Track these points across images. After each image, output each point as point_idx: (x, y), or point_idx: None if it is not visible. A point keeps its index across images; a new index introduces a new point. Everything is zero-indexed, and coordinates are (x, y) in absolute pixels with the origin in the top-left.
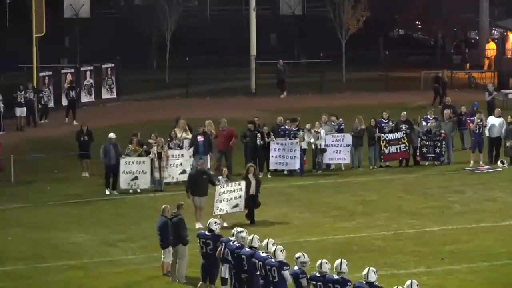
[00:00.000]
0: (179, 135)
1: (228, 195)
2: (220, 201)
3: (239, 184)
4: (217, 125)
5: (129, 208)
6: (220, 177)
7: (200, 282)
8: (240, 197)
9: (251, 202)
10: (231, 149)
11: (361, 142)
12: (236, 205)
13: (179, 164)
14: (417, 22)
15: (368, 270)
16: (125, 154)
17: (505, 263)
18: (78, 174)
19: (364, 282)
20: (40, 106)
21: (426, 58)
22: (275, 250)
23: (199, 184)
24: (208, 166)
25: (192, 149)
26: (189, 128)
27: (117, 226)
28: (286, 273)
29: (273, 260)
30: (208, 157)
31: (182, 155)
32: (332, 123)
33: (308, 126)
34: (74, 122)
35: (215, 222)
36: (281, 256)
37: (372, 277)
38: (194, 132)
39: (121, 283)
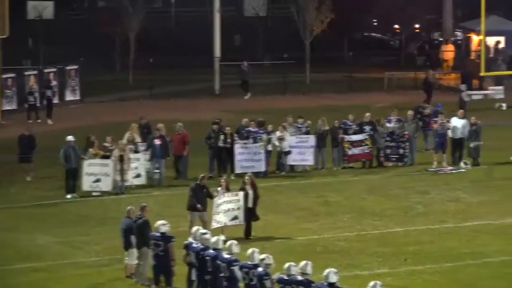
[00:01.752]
0: (127, 136)
1: (225, 206)
2: (218, 213)
3: (236, 195)
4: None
5: (92, 210)
6: (218, 189)
7: (153, 286)
8: (238, 208)
9: (249, 215)
10: (186, 153)
11: (324, 143)
12: (235, 217)
13: (134, 167)
14: (380, 24)
15: (329, 271)
16: (86, 157)
17: (468, 264)
18: (42, 175)
19: (325, 284)
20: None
21: (389, 59)
22: (253, 252)
23: (199, 198)
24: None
25: (148, 152)
26: (149, 131)
27: (81, 228)
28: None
29: (249, 262)
30: (164, 160)
31: (138, 159)
32: (299, 124)
33: (270, 127)
34: (49, 122)
35: (164, 224)
36: (257, 259)
37: (333, 278)
38: (151, 135)
39: (85, 285)
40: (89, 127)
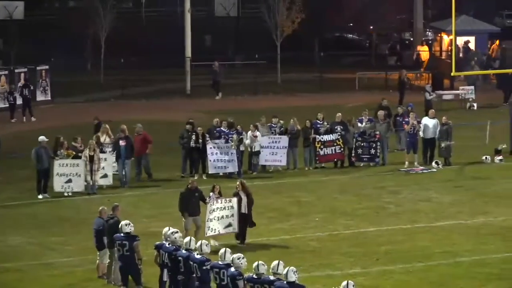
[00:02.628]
0: (102, 139)
1: (219, 213)
2: (211, 220)
3: (230, 201)
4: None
5: (64, 210)
6: (211, 194)
7: (120, 285)
8: (232, 215)
9: (243, 221)
10: (146, 154)
11: (296, 143)
12: (229, 225)
13: (101, 168)
14: (351, 24)
15: (288, 269)
16: (58, 158)
17: (440, 263)
18: (13, 176)
19: (285, 282)
20: None
21: (360, 59)
22: (224, 252)
23: (190, 203)
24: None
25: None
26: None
27: (53, 228)
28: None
29: (220, 262)
30: (129, 161)
31: (105, 159)
32: (273, 124)
33: (239, 127)
34: (32, 119)
35: (128, 224)
36: (228, 257)
37: (292, 277)
38: (117, 136)
39: (57, 286)
40: (59, 128)
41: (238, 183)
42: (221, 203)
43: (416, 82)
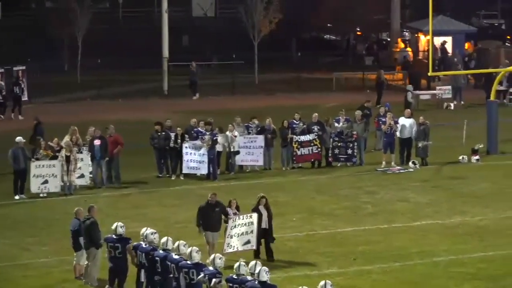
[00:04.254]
0: (64, 140)
1: (239, 230)
2: (231, 237)
3: (251, 217)
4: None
5: (40, 211)
6: (228, 209)
7: (107, 286)
8: (252, 232)
9: (264, 236)
10: (116, 156)
11: (272, 142)
12: (248, 242)
13: (78, 168)
14: (329, 24)
15: (260, 269)
16: (35, 158)
17: (417, 263)
18: None
19: (256, 282)
20: None
21: (338, 59)
22: (191, 252)
23: (210, 218)
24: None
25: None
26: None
27: (29, 229)
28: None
29: (188, 262)
30: (104, 161)
31: (82, 160)
32: (250, 124)
33: (217, 129)
34: (20, 117)
35: (121, 226)
36: (197, 258)
37: (264, 277)
38: (92, 136)
39: (34, 287)
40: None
41: (262, 198)
42: (243, 219)
43: (395, 82)
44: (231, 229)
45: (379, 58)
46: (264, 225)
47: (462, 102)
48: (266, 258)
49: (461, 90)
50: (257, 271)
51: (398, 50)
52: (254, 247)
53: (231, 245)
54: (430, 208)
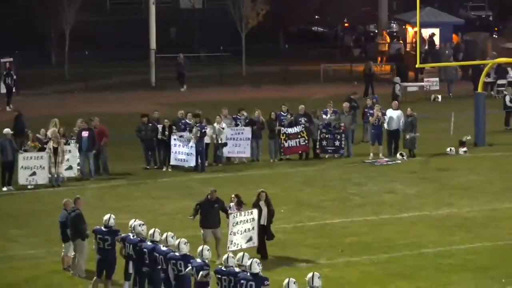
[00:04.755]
0: (50, 131)
1: (242, 227)
2: (234, 234)
3: (251, 213)
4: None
5: (28, 203)
6: (231, 204)
7: (95, 278)
8: (253, 228)
9: (262, 233)
10: (104, 148)
11: (260, 134)
12: (250, 239)
13: (66, 160)
14: (316, 16)
15: (252, 261)
16: (23, 150)
17: (404, 255)
18: None
19: (248, 274)
20: None
21: (325, 51)
22: (179, 243)
23: (210, 214)
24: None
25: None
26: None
27: (17, 221)
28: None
29: (176, 253)
30: (92, 153)
31: (70, 151)
32: (238, 116)
33: (204, 121)
34: (7, 108)
35: (112, 217)
36: (185, 249)
37: (256, 268)
38: (79, 128)
39: (21, 278)
40: (24, 120)
41: (262, 193)
42: (244, 215)
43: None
44: (233, 225)
45: (366, 49)
46: (263, 221)
47: (451, 95)
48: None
49: (453, 83)
50: (246, 263)
51: (383, 42)
52: (256, 244)
53: (234, 243)
54: (418, 199)
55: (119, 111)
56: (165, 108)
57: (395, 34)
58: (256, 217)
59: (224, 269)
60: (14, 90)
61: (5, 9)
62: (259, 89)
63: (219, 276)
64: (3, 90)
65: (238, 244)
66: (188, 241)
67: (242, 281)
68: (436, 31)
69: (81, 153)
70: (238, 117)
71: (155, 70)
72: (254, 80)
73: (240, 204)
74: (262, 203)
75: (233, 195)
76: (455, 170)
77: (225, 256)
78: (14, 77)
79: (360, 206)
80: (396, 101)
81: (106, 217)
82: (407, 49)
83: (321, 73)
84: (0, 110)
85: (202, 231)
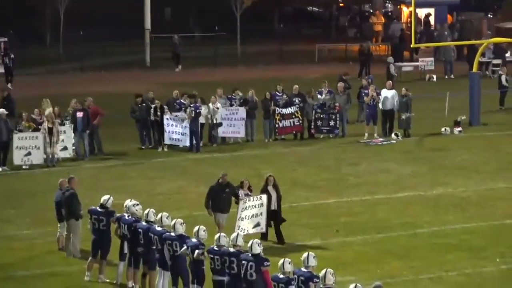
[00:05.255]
0: (47, 112)
1: (250, 212)
2: (242, 219)
3: (260, 199)
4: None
5: (23, 183)
6: (240, 190)
7: (90, 258)
8: (261, 214)
9: (273, 218)
10: (98, 127)
11: (254, 114)
12: (258, 224)
13: (61, 140)
14: None
15: (252, 242)
16: (17, 130)
17: (400, 235)
18: None
19: (250, 255)
20: None
21: (320, 31)
22: (174, 224)
23: (221, 199)
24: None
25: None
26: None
27: (12, 201)
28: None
29: (172, 234)
30: (86, 133)
31: (65, 132)
32: (233, 96)
33: (199, 101)
34: (9, 85)
35: (111, 199)
36: (181, 230)
37: (257, 249)
38: (74, 108)
39: (17, 258)
40: (18, 100)
41: (270, 177)
42: (253, 201)
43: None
44: (241, 211)
45: (362, 29)
46: (273, 206)
47: (452, 76)
48: (276, 241)
49: (452, 63)
50: (241, 243)
51: (379, 22)
52: (264, 230)
53: (241, 228)
54: (413, 179)
55: (114, 91)
56: (160, 88)
57: (389, 14)
58: (265, 202)
59: (217, 248)
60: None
61: None
62: (253, 69)
63: (212, 255)
64: (1, 70)
65: (245, 229)
66: (183, 222)
67: (243, 262)
68: (431, 11)
69: (76, 134)
70: (233, 97)
71: (150, 50)
72: (249, 60)
73: (250, 189)
74: (270, 188)
75: (245, 180)
76: (450, 150)
77: (217, 235)
78: (12, 56)
79: (354, 186)
80: (391, 81)
81: (105, 197)
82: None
83: (316, 53)
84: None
85: (213, 214)
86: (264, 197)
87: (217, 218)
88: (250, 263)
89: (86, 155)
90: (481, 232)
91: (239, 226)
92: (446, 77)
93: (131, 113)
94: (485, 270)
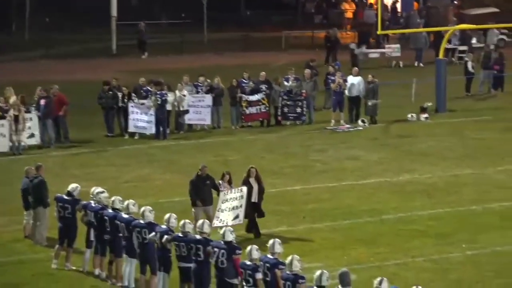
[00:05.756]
0: (12, 100)
1: (230, 204)
2: (222, 211)
3: (241, 191)
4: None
5: None
6: (220, 181)
7: (57, 246)
8: (241, 206)
9: (253, 211)
10: (64, 116)
11: (220, 101)
12: (237, 216)
13: (28, 127)
14: None
15: (225, 229)
16: None
17: (366, 221)
18: None
19: (222, 242)
20: None
21: (287, 18)
22: (144, 211)
23: (201, 191)
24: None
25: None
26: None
27: None
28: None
29: (141, 221)
30: (50, 121)
31: (31, 119)
32: (199, 83)
33: (166, 88)
34: None
35: (78, 188)
36: (150, 217)
37: (229, 237)
38: (39, 96)
39: None
40: None
41: (252, 169)
42: (234, 193)
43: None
44: (222, 202)
45: (328, 16)
46: (254, 198)
47: (422, 64)
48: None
49: (422, 51)
50: (207, 230)
51: (350, 9)
52: (241, 222)
53: (221, 219)
54: (379, 166)
55: (80, 79)
56: (126, 75)
57: (363, 1)
58: (245, 194)
59: (181, 235)
60: None
61: None
62: (220, 56)
63: (177, 242)
64: None
65: (224, 221)
66: (152, 209)
67: (215, 249)
68: None
69: (41, 121)
70: (199, 84)
71: (116, 37)
72: (215, 47)
73: (230, 182)
74: (252, 180)
75: (225, 172)
76: (416, 136)
77: (182, 222)
78: None
79: (321, 172)
80: (357, 68)
81: (73, 186)
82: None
83: (282, 40)
84: None
85: (193, 209)
86: (245, 189)
87: (197, 213)
88: (222, 251)
89: (52, 143)
90: (447, 218)
91: (218, 217)
92: (416, 64)
93: (98, 100)
94: (451, 256)
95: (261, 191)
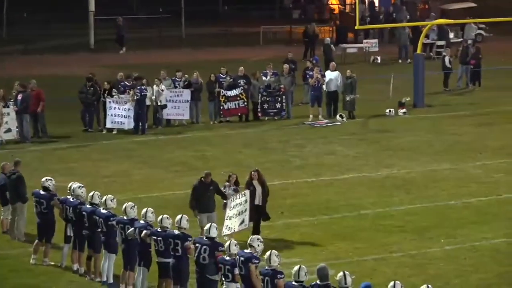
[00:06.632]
0: None
1: (236, 210)
2: (230, 218)
3: (244, 195)
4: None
5: None
6: (226, 184)
7: (36, 241)
8: (245, 210)
9: (257, 214)
10: (41, 111)
11: (199, 96)
12: (242, 221)
13: (5, 123)
14: None
15: (210, 225)
16: None
17: (344, 216)
18: None
19: (205, 238)
20: None
21: (265, 13)
22: (125, 208)
23: (205, 198)
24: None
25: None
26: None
27: None
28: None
29: (124, 217)
30: (27, 115)
31: (9, 114)
32: (177, 78)
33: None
34: None
35: (49, 179)
36: (132, 214)
37: (214, 233)
38: (17, 91)
39: None
40: None
41: (253, 172)
42: (239, 198)
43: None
44: (230, 210)
45: (306, 11)
46: (258, 201)
47: (409, 60)
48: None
49: (407, 48)
50: (185, 225)
51: (333, 5)
52: (247, 226)
53: (229, 227)
54: (357, 161)
55: (58, 74)
56: (105, 70)
57: None
58: (248, 199)
59: (160, 230)
60: None
61: None
62: (198, 51)
63: (155, 237)
64: None
65: (231, 228)
66: (134, 205)
67: (197, 245)
68: None
69: (18, 116)
70: (177, 79)
71: (94, 32)
72: (193, 42)
73: (237, 184)
74: (255, 182)
75: (231, 174)
76: (394, 131)
77: (160, 217)
78: None
79: (300, 167)
80: (334, 62)
81: (43, 179)
82: (346, 10)
83: (260, 35)
84: None
85: (198, 216)
86: (247, 192)
87: (202, 220)
88: (204, 247)
89: (28, 138)
90: (425, 213)
91: (227, 225)
92: (400, 61)
93: (79, 94)
94: (429, 251)
95: (265, 194)
